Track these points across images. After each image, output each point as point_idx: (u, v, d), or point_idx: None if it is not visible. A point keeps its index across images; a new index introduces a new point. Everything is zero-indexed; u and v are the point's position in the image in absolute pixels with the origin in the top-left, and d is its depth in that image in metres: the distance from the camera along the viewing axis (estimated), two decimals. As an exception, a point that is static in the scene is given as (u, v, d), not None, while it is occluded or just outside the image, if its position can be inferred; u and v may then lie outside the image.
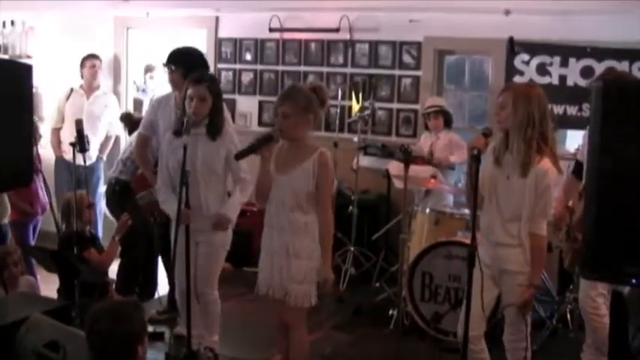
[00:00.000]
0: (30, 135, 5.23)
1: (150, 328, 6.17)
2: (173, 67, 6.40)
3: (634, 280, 3.68)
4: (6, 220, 7.18)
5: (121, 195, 7.38)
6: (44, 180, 6.41)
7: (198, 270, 5.86)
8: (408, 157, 6.05)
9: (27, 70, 5.08)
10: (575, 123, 7.89)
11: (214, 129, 5.76)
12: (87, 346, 3.68)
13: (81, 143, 6.18)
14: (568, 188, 6.10)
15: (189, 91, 5.70)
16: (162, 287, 7.29)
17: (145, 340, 3.56)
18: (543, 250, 4.94)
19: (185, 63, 6.38)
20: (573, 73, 8.05)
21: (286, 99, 5.08)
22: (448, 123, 8.25)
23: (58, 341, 4.56)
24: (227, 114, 6.20)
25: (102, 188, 8.93)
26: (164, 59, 6.45)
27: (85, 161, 6.25)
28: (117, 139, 9.57)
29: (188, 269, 5.50)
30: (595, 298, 5.62)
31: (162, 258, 7.41)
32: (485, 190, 4.87)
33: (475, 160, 4.57)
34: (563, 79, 8.09)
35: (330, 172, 5.16)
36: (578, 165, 5.96)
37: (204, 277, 5.93)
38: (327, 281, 5.14)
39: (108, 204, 7.67)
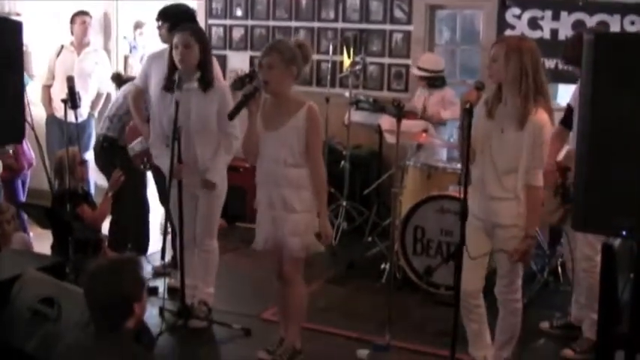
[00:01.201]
0: (21, 92, 5.22)
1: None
2: (160, 23, 6.54)
3: (624, 232, 3.72)
4: (-4, 179, 7.21)
5: (109, 151, 7.40)
6: (37, 138, 6.40)
7: (198, 221, 5.94)
8: (400, 112, 6.05)
9: (17, 26, 5.06)
10: (567, 77, 7.86)
11: (205, 80, 5.77)
12: (83, 302, 3.68)
13: (72, 100, 6.16)
14: (557, 139, 6.07)
15: (174, 40, 5.73)
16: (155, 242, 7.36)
17: (143, 298, 3.57)
18: (540, 200, 4.96)
19: (171, 17, 6.50)
20: (565, 27, 8.03)
21: (271, 50, 5.12)
22: (442, 84, 8.23)
23: (53, 297, 4.60)
24: (218, 71, 6.23)
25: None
26: (154, 15, 6.51)
27: (76, 118, 6.25)
28: (108, 96, 9.51)
29: (181, 222, 5.56)
30: (593, 257, 5.61)
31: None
32: (477, 143, 4.85)
33: (468, 113, 4.58)
34: (554, 33, 8.08)
35: (319, 126, 5.21)
36: (569, 111, 5.94)
37: (204, 227, 6.02)
38: (327, 237, 5.23)
39: (97, 161, 7.66)
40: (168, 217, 6.05)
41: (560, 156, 6.04)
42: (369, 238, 8.01)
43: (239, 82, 6.78)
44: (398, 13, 8.86)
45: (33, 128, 5.97)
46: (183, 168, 5.55)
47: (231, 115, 5.15)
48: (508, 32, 8.13)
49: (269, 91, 5.14)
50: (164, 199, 6.64)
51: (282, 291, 5.47)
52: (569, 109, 5.94)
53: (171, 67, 5.75)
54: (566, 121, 5.93)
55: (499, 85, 4.89)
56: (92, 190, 8.21)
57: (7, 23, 5.10)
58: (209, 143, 5.87)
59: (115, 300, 3.46)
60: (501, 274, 5.08)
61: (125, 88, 7.50)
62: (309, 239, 5.22)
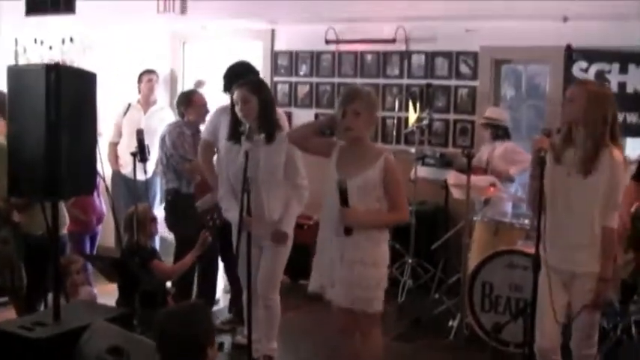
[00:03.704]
0: (94, 143, 5.28)
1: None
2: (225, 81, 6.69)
3: None
4: (64, 231, 7.23)
5: (172, 203, 7.45)
6: (107, 189, 6.45)
7: (262, 274, 5.91)
8: (470, 161, 5.97)
9: (92, 78, 5.14)
10: (636, 131, 7.78)
11: (265, 131, 5.77)
12: (151, 352, 3.66)
13: (142, 152, 6.24)
14: (629, 193, 5.97)
15: (234, 96, 5.77)
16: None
17: (214, 342, 3.54)
18: (614, 242, 4.87)
19: (226, 77, 6.70)
20: (633, 80, 7.92)
21: (356, 97, 5.02)
22: (505, 135, 8.16)
23: (122, 347, 4.58)
24: (286, 125, 6.24)
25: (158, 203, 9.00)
26: (217, 73, 6.62)
27: (145, 172, 6.29)
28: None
29: (249, 275, 5.52)
30: None
31: (224, 266, 7.47)
32: (548, 191, 4.77)
33: (541, 161, 4.52)
34: (622, 85, 7.96)
35: (398, 174, 5.12)
36: None
37: (268, 280, 6.00)
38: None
39: (166, 217, 7.69)
40: (232, 270, 6.04)
41: (632, 209, 5.94)
42: (436, 295, 7.90)
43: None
44: (463, 69, 8.83)
45: (104, 179, 6.02)
46: (252, 220, 5.53)
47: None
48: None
49: (349, 138, 5.08)
50: (225, 255, 6.67)
51: (347, 343, 5.37)
52: None
53: (236, 120, 5.77)
54: (639, 176, 5.84)
55: (569, 128, 4.81)
56: (157, 245, 8.24)
57: (82, 75, 5.17)
58: (277, 195, 5.88)
59: (188, 345, 3.44)
60: (579, 327, 4.95)
61: (165, 130, 7.58)
62: (381, 294, 5.12)
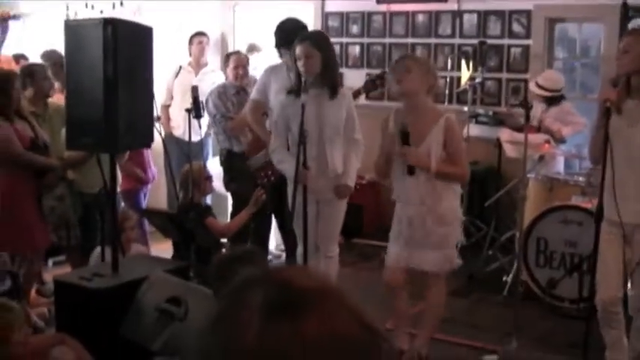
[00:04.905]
0: (152, 96, 5.34)
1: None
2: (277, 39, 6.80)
3: None
4: (118, 189, 7.32)
5: (228, 163, 7.51)
6: (165, 145, 6.51)
7: (323, 228, 5.94)
8: (528, 111, 5.91)
9: (148, 32, 5.18)
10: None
11: (329, 86, 5.78)
12: (210, 302, 3.69)
13: (197, 109, 6.26)
14: None
15: (296, 51, 5.76)
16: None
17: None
18: None
19: (277, 33, 6.80)
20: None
21: (407, 57, 5.20)
22: (560, 99, 8.04)
23: (180, 297, 4.64)
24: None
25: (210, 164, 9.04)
26: (270, 38, 6.68)
27: (200, 126, 6.33)
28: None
29: (305, 228, 5.56)
30: None
31: (278, 223, 7.51)
32: (609, 143, 4.72)
33: (607, 112, 4.49)
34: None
35: (459, 134, 5.25)
36: None
37: (329, 233, 6.03)
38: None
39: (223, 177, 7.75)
40: (287, 226, 6.07)
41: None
42: (489, 252, 7.88)
43: (370, 84, 6.81)
44: (516, 27, 8.76)
45: (161, 134, 6.08)
46: (309, 173, 5.56)
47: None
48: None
49: (400, 93, 5.12)
50: (279, 211, 6.72)
51: (399, 301, 5.45)
52: None
53: (298, 73, 5.78)
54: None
55: (628, 79, 4.76)
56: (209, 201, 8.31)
57: (139, 28, 5.22)
58: (339, 149, 5.89)
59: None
60: (637, 280, 4.90)
61: (212, 91, 7.68)
62: (452, 252, 5.24)
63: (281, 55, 6.78)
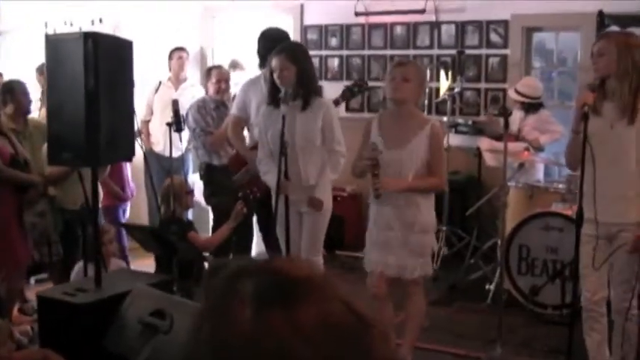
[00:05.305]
0: (132, 110, 5.35)
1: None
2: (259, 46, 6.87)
3: None
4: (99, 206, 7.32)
5: (208, 177, 7.52)
6: (145, 157, 6.50)
7: (304, 239, 5.95)
8: (507, 119, 5.93)
9: (128, 45, 5.19)
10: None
11: (302, 98, 5.79)
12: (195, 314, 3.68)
13: (177, 123, 6.28)
14: None
15: (272, 63, 5.79)
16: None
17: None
18: None
19: (260, 41, 6.86)
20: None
21: (408, 64, 5.20)
22: (538, 107, 8.08)
23: (164, 309, 4.63)
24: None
25: (191, 178, 9.04)
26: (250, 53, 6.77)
27: (180, 139, 6.34)
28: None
29: (288, 238, 5.58)
30: None
31: (263, 236, 7.51)
32: (590, 146, 4.74)
33: (585, 116, 4.54)
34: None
35: (442, 143, 5.31)
36: None
37: (310, 244, 6.02)
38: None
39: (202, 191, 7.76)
40: (271, 239, 6.07)
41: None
42: (471, 260, 7.90)
43: (348, 92, 6.82)
44: (494, 37, 8.81)
45: (142, 147, 6.07)
46: (290, 184, 5.58)
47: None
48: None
49: (395, 101, 5.18)
50: (264, 224, 6.72)
51: (383, 308, 5.47)
52: None
53: (274, 85, 5.80)
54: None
55: (602, 81, 4.82)
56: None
57: (119, 42, 5.23)
58: (313, 160, 5.89)
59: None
60: (621, 279, 4.92)
61: (189, 106, 7.67)
62: (429, 259, 5.27)
63: (263, 63, 6.81)
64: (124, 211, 8.12)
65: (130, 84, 5.23)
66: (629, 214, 4.79)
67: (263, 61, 6.74)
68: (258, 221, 7.38)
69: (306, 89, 5.85)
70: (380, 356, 1.14)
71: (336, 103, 6.43)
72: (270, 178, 5.88)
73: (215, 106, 7.64)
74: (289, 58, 5.80)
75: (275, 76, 5.78)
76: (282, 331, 1.09)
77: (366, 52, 9.52)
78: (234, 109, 6.82)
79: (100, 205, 7.18)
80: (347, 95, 6.88)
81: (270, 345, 1.08)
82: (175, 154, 6.50)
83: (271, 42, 6.43)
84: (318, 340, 1.09)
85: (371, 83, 7.82)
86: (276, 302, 1.11)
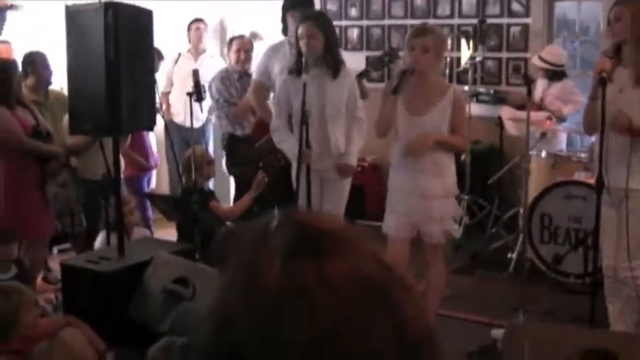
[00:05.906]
0: (153, 79, 5.35)
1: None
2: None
3: None
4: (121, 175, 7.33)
5: (230, 147, 7.51)
6: (166, 127, 6.49)
7: (325, 207, 5.97)
8: (530, 86, 5.90)
9: (148, 15, 5.19)
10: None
11: (331, 66, 5.78)
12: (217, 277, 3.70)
13: (198, 92, 6.27)
14: None
15: (299, 31, 5.76)
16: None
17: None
18: None
19: (284, 7, 6.85)
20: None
21: (427, 32, 5.15)
22: (562, 76, 8.02)
23: (187, 277, 4.66)
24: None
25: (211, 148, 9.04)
26: (268, 24, 6.74)
27: (201, 109, 6.34)
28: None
29: (309, 207, 5.58)
30: None
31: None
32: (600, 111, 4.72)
33: (602, 82, 4.51)
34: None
35: (465, 107, 5.31)
36: None
37: (334, 211, 6.00)
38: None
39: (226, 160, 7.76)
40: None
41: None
42: (493, 230, 7.88)
43: (378, 62, 6.80)
44: (515, 6, 8.74)
45: (163, 117, 6.07)
46: (311, 152, 5.58)
47: (396, 90, 5.09)
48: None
49: (418, 73, 5.13)
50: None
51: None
52: None
53: (299, 52, 5.77)
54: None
55: (618, 47, 4.79)
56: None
57: (139, 12, 5.22)
58: (341, 128, 5.89)
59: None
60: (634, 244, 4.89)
61: (215, 75, 7.64)
62: (449, 225, 5.22)
63: (286, 20, 6.78)
64: (149, 181, 8.15)
65: (150, 53, 5.25)
66: (633, 181, 4.78)
67: (286, 28, 6.73)
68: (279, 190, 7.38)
69: (333, 57, 5.84)
70: (408, 313, 1.14)
71: (366, 73, 6.43)
72: (286, 146, 5.87)
73: (239, 76, 7.62)
74: (317, 25, 5.77)
75: (302, 43, 5.74)
76: (312, 284, 1.08)
77: (387, 22, 9.46)
78: (255, 75, 6.84)
79: (122, 176, 7.24)
80: (377, 65, 6.85)
81: (299, 297, 1.08)
82: (196, 124, 6.48)
83: (293, 6, 6.42)
84: (348, 293, 1.08)
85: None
86: (305, 255, 1.11)
